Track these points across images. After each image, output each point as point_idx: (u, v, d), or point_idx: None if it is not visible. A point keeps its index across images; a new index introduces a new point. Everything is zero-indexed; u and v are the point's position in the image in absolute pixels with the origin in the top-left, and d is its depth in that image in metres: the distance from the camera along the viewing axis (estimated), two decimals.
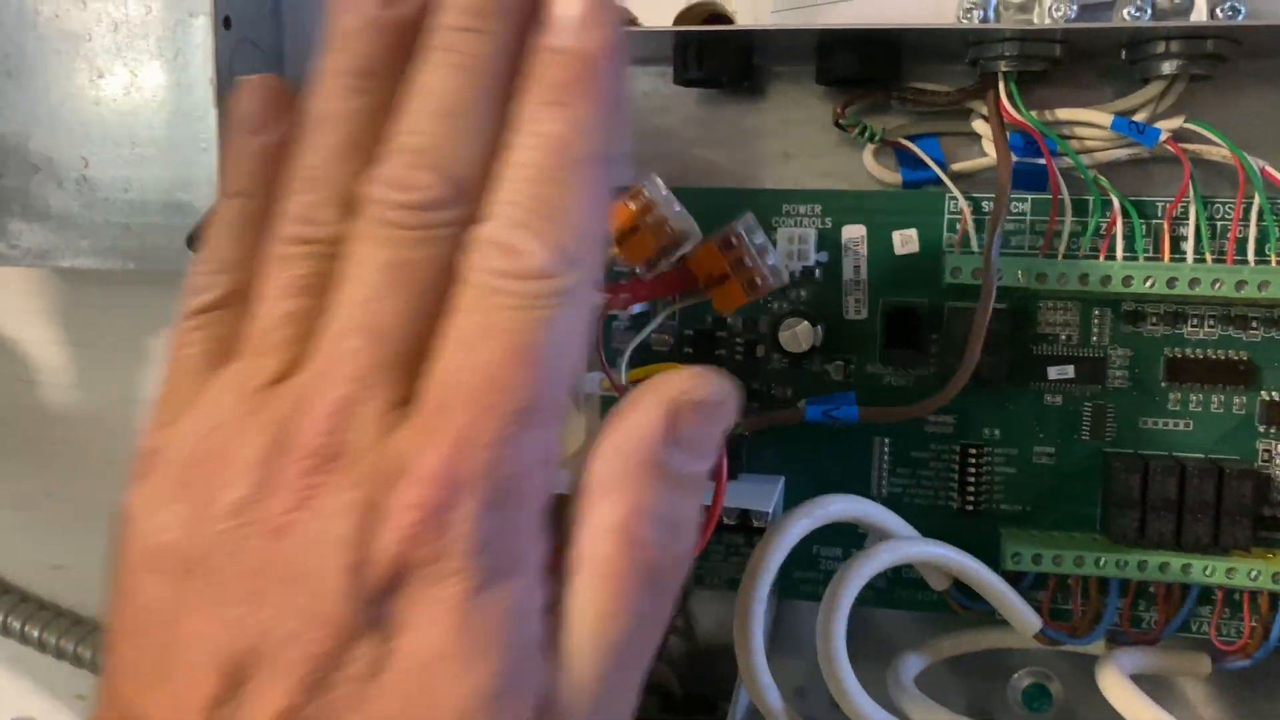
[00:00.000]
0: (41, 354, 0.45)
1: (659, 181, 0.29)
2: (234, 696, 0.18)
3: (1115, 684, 0.31)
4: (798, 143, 0.35)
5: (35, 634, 0.45)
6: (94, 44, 0.37)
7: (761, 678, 0.31)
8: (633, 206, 0.29)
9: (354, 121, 0.20)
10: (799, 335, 0.33)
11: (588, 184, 0.19)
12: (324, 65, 0.20)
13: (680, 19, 0.36)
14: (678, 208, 0.29)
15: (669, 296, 0.31)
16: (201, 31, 0.36)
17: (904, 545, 0.32)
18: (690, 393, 0.20)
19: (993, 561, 0.33)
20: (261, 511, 0.18)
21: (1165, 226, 0.32)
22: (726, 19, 0.36)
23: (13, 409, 0.46)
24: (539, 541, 0.19)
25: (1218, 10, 0.30)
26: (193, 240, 0.38)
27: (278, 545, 0.18)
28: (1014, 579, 0.33)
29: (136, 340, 0.44)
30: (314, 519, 0.18)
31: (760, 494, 0.33)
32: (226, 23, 0.37)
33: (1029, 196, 0.33)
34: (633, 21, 0.36)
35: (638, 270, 0.30)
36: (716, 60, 0.34)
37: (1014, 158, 0.32)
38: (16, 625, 0.45)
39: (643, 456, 0.19)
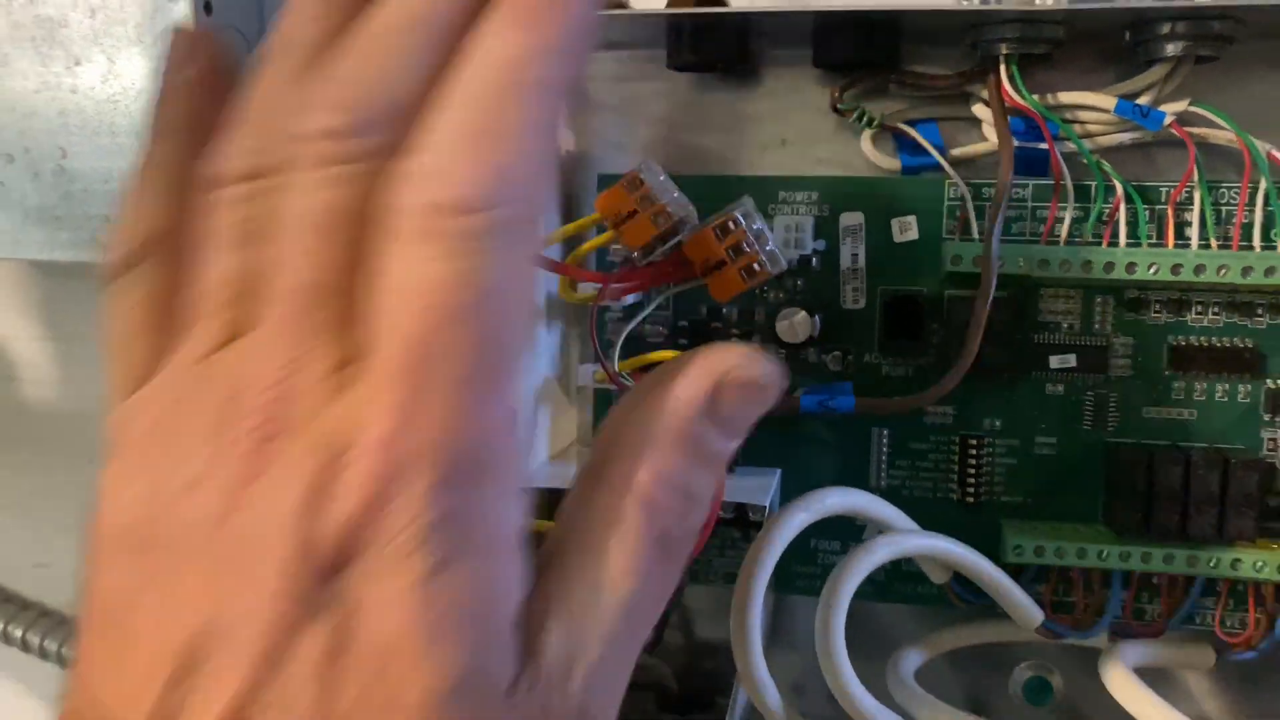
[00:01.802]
0: (21, 349, 0.44)
1: (656, 166, 0.28)
2: (189, 681, 0.17)
3: (1118, 677, 0.30)
4: (794, 128, 0.34)
5: (18, 634, 0.44)
6: (70, 30, 0.36)
7: (759, 674, 0.30)
8: (630, 192, 0.28)
9: (308, 51, 0.18)
10: (796, 326, 0.32)
11: (535, 110, 0.17)
12: None
13: (674, 1, 0.35)
14: (675, 193, 0.28)
15: (665, 284, 0.30)
16: (182, 16, 0.35)
17: (903, 539, 0.32)
18: (738, 371, 0.19)
19: (993, 554, 0.32)
20: (214, 486, 0.17)
21: (1169, 212, 0.31)
22: (721, 1, 0.35)
23: None
24: (512, 515, 0.17)
25: None
26: None
27: (229, 522, 0.17)
28: (1015, 572, 0.32)
29: None
30: (264, 494, 0.17)
31: (757, 488, 0.32)
32: (207, 8, 0.36)
33: (1030, 182, 0.32)
34: (624, 4, 0.35)
35: (634, 256, 0.29)
36: (711, 44, 0.33)
37: (1015, 142, 0.31)
38: None
39: (678, 425, 0.19)
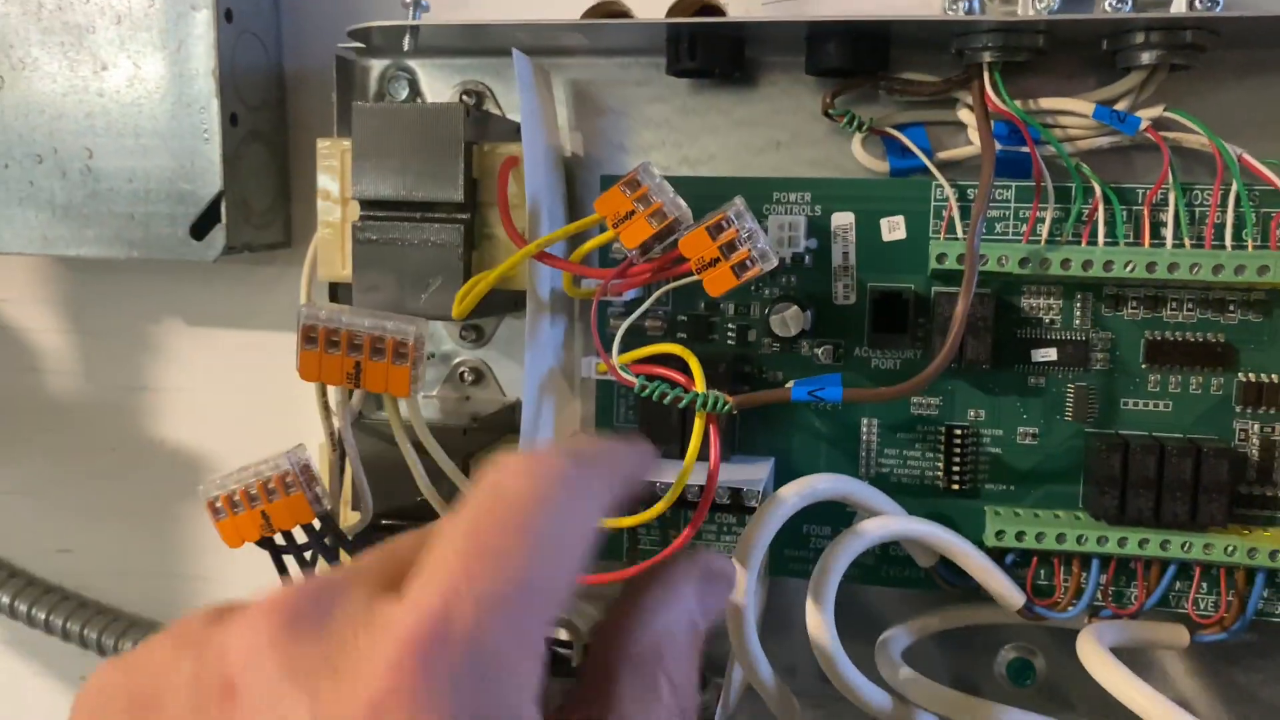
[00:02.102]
0: (47, 341, 0.46)
1: (653, 169, 0.30)
2: None
3: (1094, 654, 0.32)
4: (788, 132, 0.36)
5: (41, 616, 0.45)
6: (97, 36, 0.38)
7: (753, 651, 0.32)
8: (628, 193, 0.29)
9: None
10: (789, 320, 0.34)
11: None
12: None
13: (673, 10, 0.37)
14: (671, 194, 0.30)
15: (663, 280, 0.32)
16: (203, 24, 0.37)
17: (890, 523, 0.33)
18: (718, 569, 0.23)
19: (977, 539, 0.34)
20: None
21: (1145, 212, 0.33)
22: (718, 10, 0.37)
23: (19, 396, 0.46)
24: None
25: (1197, 1, 0.31)
26: (196, 229, 0.39)
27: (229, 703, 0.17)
28: (998, 556, 0.34)
29: (140, 327, 0.45)
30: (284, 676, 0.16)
31: (752, 474, 0.34)
32: (228, 15, 0.38)
33: (1013, 184, 0.34)
34: (627, 13, 0.36)
35: (632, 254, 0.30)
36: (709, 51, 0.34)
37: (998, 146, 0.33)
38: (23, 608, 0.46)
39: (693, 632, 0.22)
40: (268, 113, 0.40)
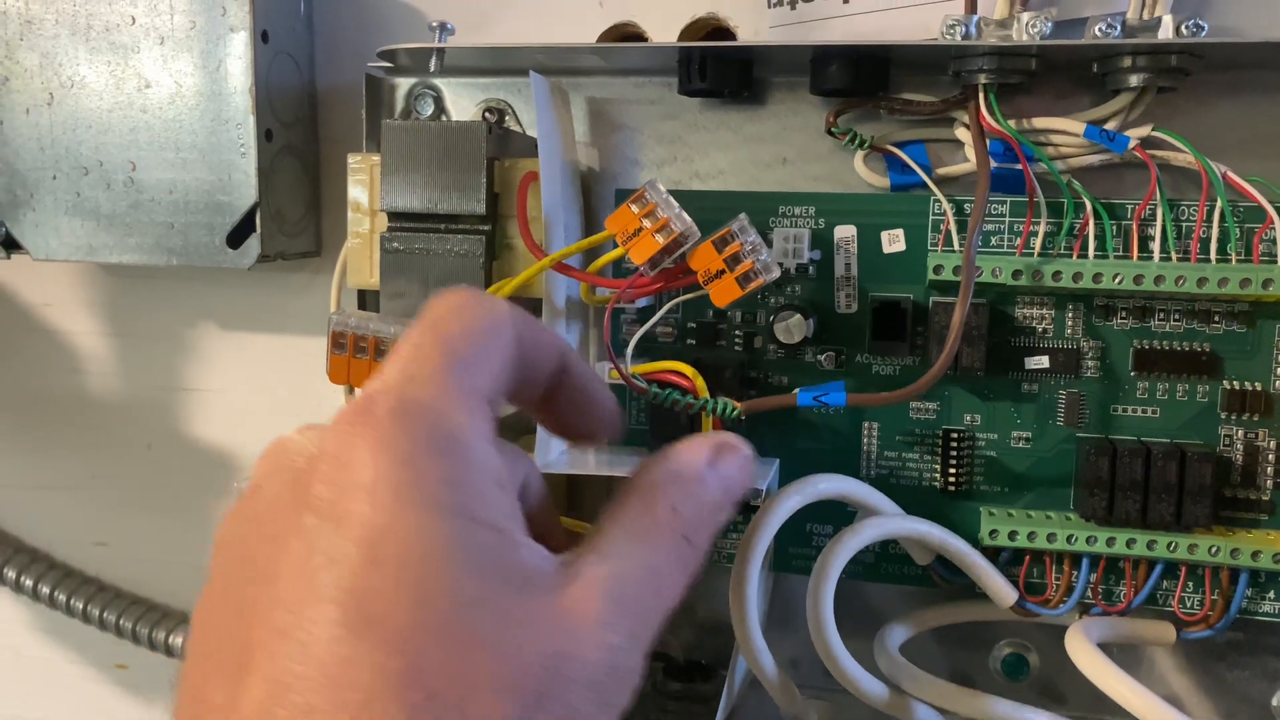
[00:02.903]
0: (87, 344, 0.48)
1: (660, 186, 0.32)
2: None
3: (1081, 649, 0.33)
4: (793, 149, 0.38)
5: (80, 606, 0.48)
6: (141, 56, 0.40)
7: (756, 641, 0.33)
8: (636, 210, 0.31)
9: None
10: (793, 327, 0.36)
11: None
12: None
13: (685, 34, 0.39)
14: (677, 209, 0.31)
15: (672, 291, 0.34)
16: (241, 45, 0.39)
17: (889, 522, 0.35)
18: (731, 440, 0.25)
19: (972, 538, 0.35)
20: None
21: (1134, 227, 0.34)
22: (729, 34, 0.39)
23: (60, 395, 0.49)
24: None
25: (1182, 28, 0.33)
26: (232, 238, 0.41)
27: None
28: (992, 554, 0.35)
29: (176, 331, 0.47)
30: None
31: (757, 474, 0.35)
32: (264, 36, 0.40)
33: (1008, 199, 0.35)
34: (641, 36, 0.38)
35: (642, 268, 0.32)
36: (719, 72, 0.36)
37: (993, 163, 0.34)
38: (62, 598, 0.48)
39: (701, 481, 0.24)
40: (300, 128, 0.43)
